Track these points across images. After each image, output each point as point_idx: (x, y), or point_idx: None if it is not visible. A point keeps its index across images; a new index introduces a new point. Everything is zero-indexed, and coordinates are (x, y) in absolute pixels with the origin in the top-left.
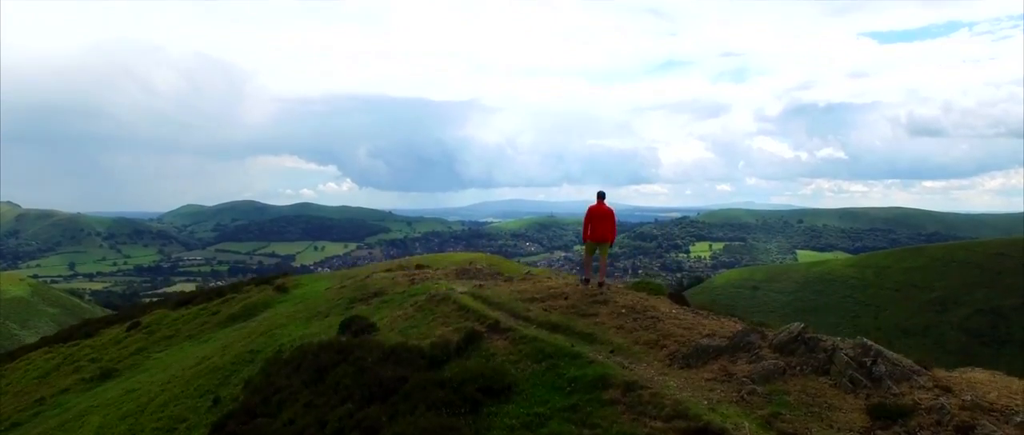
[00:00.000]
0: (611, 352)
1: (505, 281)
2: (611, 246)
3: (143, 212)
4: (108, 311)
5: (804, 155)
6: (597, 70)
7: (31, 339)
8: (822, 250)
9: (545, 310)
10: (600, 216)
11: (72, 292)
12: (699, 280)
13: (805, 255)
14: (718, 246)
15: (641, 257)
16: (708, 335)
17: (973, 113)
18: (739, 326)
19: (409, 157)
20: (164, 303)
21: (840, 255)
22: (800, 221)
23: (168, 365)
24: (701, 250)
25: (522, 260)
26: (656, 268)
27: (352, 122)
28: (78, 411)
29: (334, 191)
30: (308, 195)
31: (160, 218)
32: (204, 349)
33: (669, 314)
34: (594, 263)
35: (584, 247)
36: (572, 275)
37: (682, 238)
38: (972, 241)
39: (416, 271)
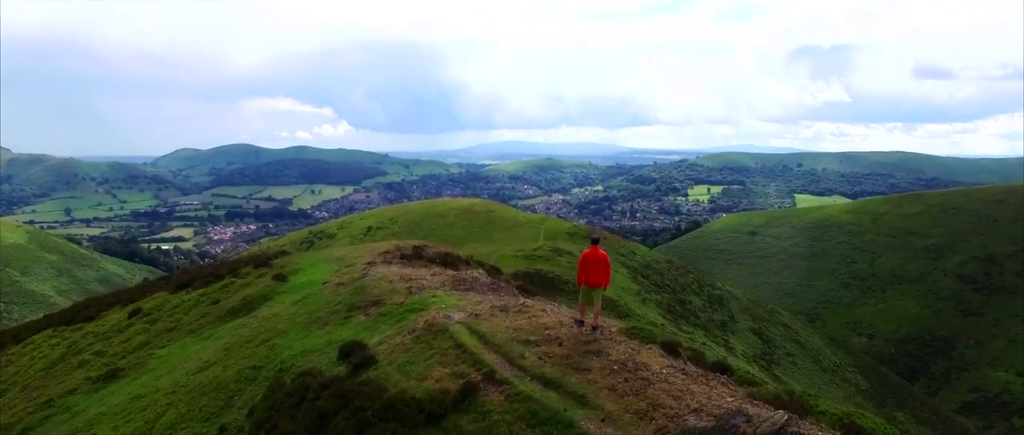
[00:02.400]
0: (602, 421)
1: (501, 311)
2: (606, 289)
3: (137, 156)
4: (107, 257)
5: (806, 97)
6: (597, 9)
7: (33, 286)
8: (821, 194)
9: (539, 359)
10: (595, 262)
11: (70, 238)
12: (697, 225)
13: (804, 199)
14: (716, 190)
15: (639, 200)
16: (695, 411)
17: (981, 53)
18: (728, 399)
19: (406, 99)
20: (164, 285)
21: (838, 200)
22: (799, 165)
23: (172, 366)
24: (699, 193)
25: (520, 203)
26: (654, 211)
27: (348, 63)
28: (87, 419)
29: (330, 133)
30: (304, 138)
31: (154, 162)
32: (206, 349)
33: (659, 375)
34: (589, 306)
35: (580, 291)
36: (567, 308)
37: (681, 181)
38: (971, 188)
39: (413, 274)
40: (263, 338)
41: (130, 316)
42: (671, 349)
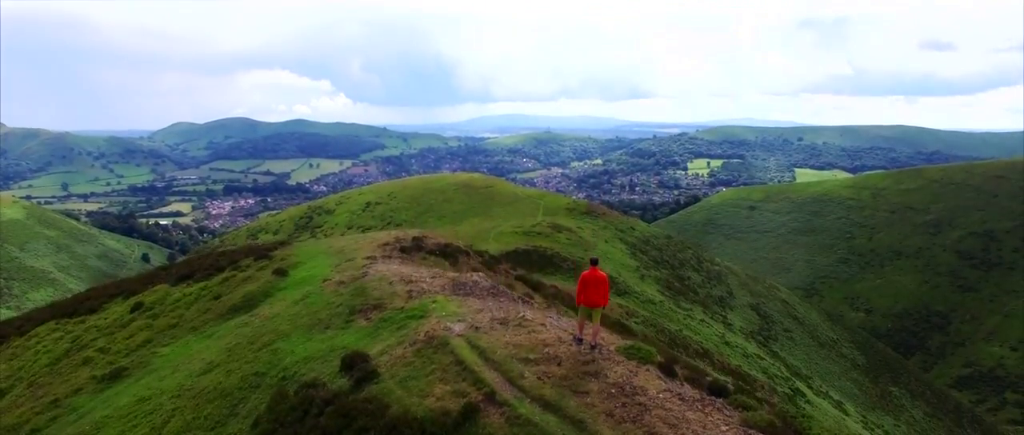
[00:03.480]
0: None
1: (500, 324)
2: (604, 309)
3: (133, 130)
4: (106, 233)
5: (808, 69)
6: None
7: (32, 262)
8: (821, 169)
9: (539, 379)
10: (594, 283)
11: (67, 213)
12: (696, 199)
13: (803, 174)
14: (716, 163)
15: (639, 174)
16: None
17: (986, 25)
18: (723, 428)
19: (404, 71)
20: (164, 276)
21: (838, 174)
22: (800, 139)
23: (175, 366)
24: (699, 167)
25: (519, 177)
26: (654, 185)
27: (346, 35)
28: (94, 421)
29: (328, 106)
30: (302, 111)
31: (151, 137)
32: (209, 348)
33: (656, 401)
34: (587, 324)
35: (579, 309)
36: (567, 320)
37: (681, 155)
38: (972, 163)
39: (413, 275)
40: (265, 341)
41: (132, 310)
42: (668, 370)
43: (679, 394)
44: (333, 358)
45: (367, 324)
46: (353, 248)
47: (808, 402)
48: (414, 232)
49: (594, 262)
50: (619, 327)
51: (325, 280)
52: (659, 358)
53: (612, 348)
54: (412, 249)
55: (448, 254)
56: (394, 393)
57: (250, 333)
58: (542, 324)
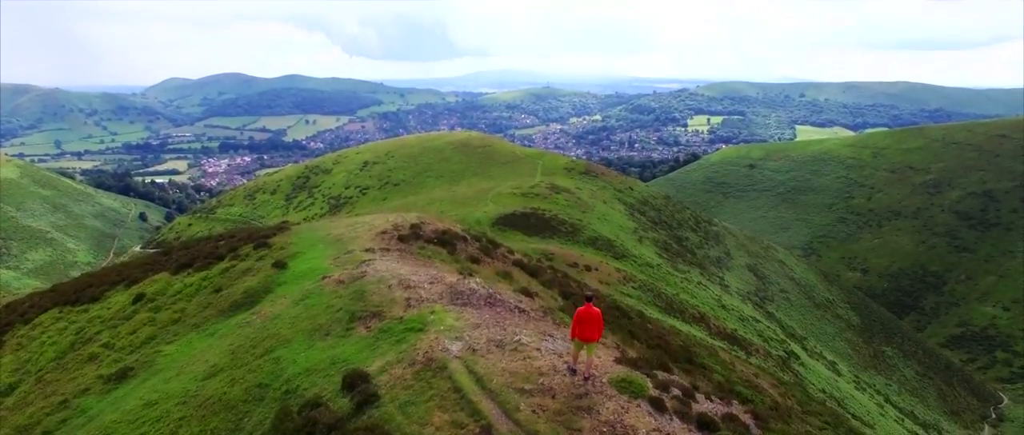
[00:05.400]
0: None
1: (497, 347)
2: (597, 343)
3: (124, 86)
4: (102, 192)
5: (814, 24)
6: None
7: (29, 222)
8: (822, 126)
9: (533, 413)
10: (588, 320)
11: (62, 172)
12: (695, 157)
13: (804, 131)
14: (716, 120)
15: (638, 130)
16: None
17: None
18: None
19: (401, 25)
20: (165, 263)
21: (840, 131)
22: (802, 95)
23: (180, 367)
24: (699, 124)
25: (517, 133)
26: (653, 142)
27: None
28: (102, 426)
29: (323, 60)
30: (297, 65)
31: (144, 92)
32: (211, 348)
33: None
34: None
35: (573, 343)
36: (562, 341)
37: (681, 111)
38: (974, 121)
39: (411, 279)
40: (267, 346)
41: (134, 301)
42: (658, 404)
43: (668, 433)
44: (334, 372)
45: (367, 333)
46: (351, 237)
47: (801, 365)
48: (412, 218)
49: (589, 299)
50: (616, 313)
51: (324, 277)
52: (650, 392)
53: (605, 380)
54: (410, 238)
55: (446, 241)
56: (394, 419)
57: (252, 334)
58: (537, 349)
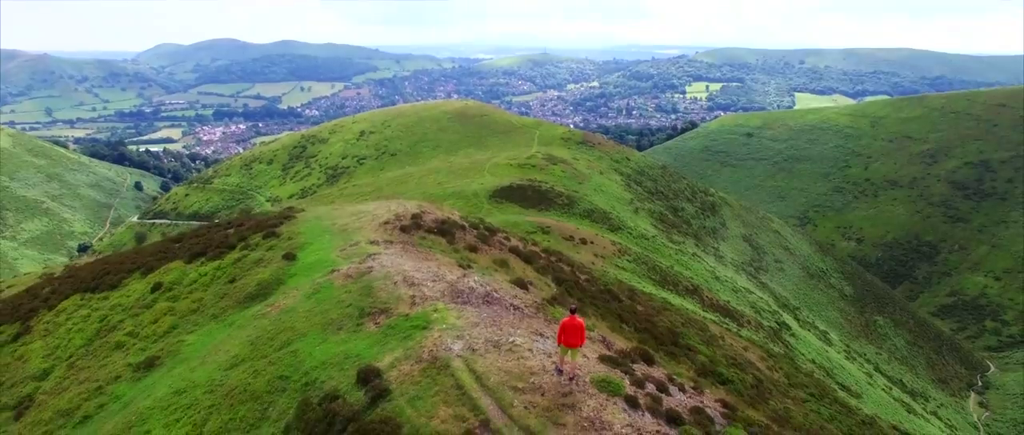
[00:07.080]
0: None
1: (494, 347)
2: (579, 349)
3: (115, 51)
4: (96, 161)
5: None
6: None
7: (24, 192)
8: (821, 93)
9: (525, 409)
10: (572, 329)
11: (54, 140)
12: (693, 125)
13: (804, 98)
14: (715, 87)
15: (636, 97)
16: None
17: None
18: None
19: None
20: (178, 251)
21: (839, 99)
22: (801, 62)
23: (203, 357)
24: (698, 91)
25: (514, 100)
26: (651, 109)
27: None
28: (138, 412)
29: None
30: (291, 31)
31: (135, 58)
32: (231, 339)
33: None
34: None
35: (560, 347)
36: (552, 344)
37: (679, 78)
38: (974, 91)
39: (415, 275)
40: (284, 339)
41: (152, 289)
42: (633, 402)
43: (639, 428)
44: (348, 367)
45: (376, 329)
46: (355, 227)
47: (792, 335)
48: (413, 207)
49: (573, 310)
50: (606, 296)
51: (332, 270)
52: (627, 390)
53: (588, 379)
54: (411, 228)
55: (445, 231)
56: (405, 413)
57: (268, 326)
58: (529, 350)
